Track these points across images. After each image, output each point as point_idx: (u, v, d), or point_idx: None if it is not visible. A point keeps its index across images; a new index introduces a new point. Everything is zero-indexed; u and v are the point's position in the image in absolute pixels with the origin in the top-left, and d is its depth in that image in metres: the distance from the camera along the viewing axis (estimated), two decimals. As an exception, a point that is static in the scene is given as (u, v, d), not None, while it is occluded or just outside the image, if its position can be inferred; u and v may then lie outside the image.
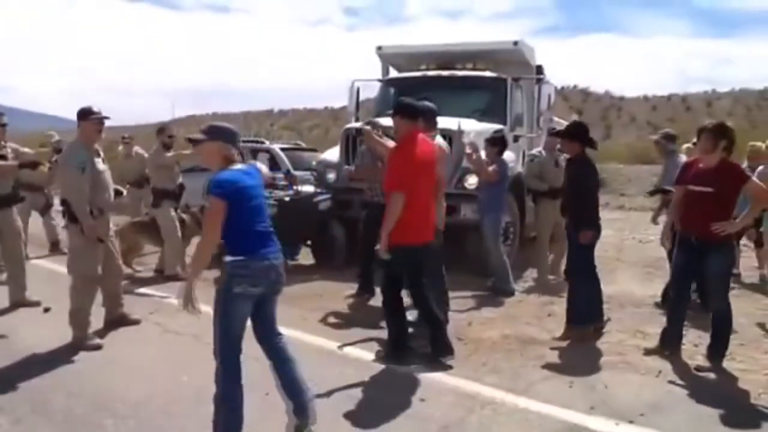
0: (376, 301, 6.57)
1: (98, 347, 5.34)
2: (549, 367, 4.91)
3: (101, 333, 5.68)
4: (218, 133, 3.53)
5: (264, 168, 3.98)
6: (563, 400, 4.26)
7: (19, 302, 6.43)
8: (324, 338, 5.63)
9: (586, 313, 5.56)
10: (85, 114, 5.39)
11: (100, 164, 5.47)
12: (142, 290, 7.32)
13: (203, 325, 5.86)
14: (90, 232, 5.28)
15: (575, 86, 38.58)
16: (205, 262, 3.45)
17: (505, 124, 8.65)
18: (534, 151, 8.35)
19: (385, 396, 4.38)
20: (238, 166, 3.51)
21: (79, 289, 5.43)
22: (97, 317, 5.68)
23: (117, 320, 5.87)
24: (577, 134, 5.61)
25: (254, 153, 12.06)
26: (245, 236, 3.43)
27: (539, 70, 9.65)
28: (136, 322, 5.93)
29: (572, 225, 5.62)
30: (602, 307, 5.77)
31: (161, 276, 7.88)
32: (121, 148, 11.01)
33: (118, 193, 5.90)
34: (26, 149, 6.96)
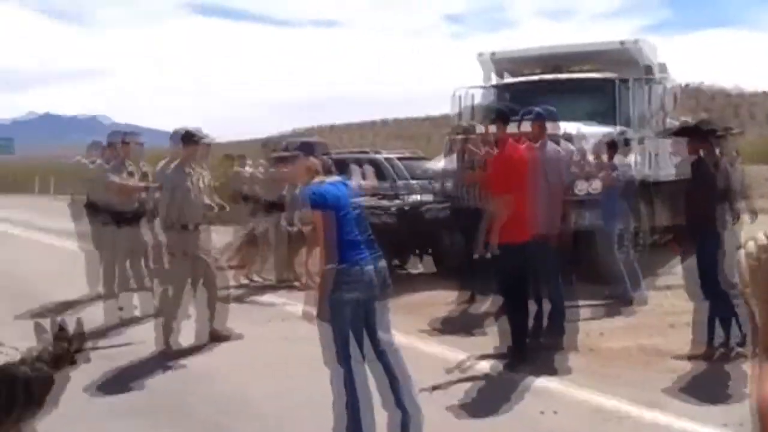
0: (489, 307, 6.53)
1: (171, 353, 5.56)
2: (679, 380, 4.69)
3: (206, 343, 5.88)
4: (309, 149, 3.78)
5: (365, 178, 4.12)
6: (696, 415, 4.05)
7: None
8: (442, 346, 5.64)
9: (722, 332, 5.15)
10: (185, 137, 5.79)
11: (192, 182, 5.77)
12: (262, 299, 7.61)
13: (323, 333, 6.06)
14: (172, 246, 5.61)
15: (701, 83, 36.22)
16: (322, 273, 3.59)
17: (615, 125, 8.37)
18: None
19: (514, 407, 4.30)
20: (325, 178, 3.68)
21: (167, 298, 5.78)
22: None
23: (214, 336, 5.95)
24: (704, 133, 5.29)
25: (359, 163, 12.27)
26: (340, 244, 3.54)
27: (662, 68, 9.27)
28: (228, 337, 5.98)
29: (694, 233, 5.23)
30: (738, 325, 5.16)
31: (277, 284, 8.12)
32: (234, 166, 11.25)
33: (214, 208, 6.14)
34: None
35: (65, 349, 3.34)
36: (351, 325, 3.63)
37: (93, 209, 7.32)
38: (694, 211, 5.17)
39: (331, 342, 3.62)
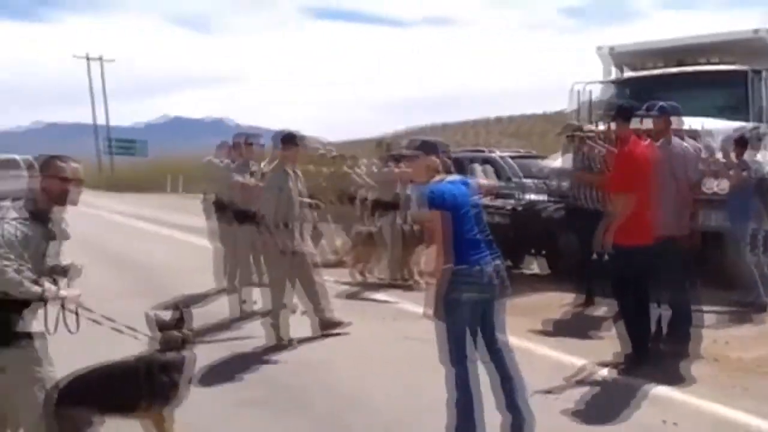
0: (606, 311, 6.34)
1: (284, 346, 5.79)
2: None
3: (316, 336, 6.10)
4: (430, 148, 3.81)
5: (483, 177, 4.15)
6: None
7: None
8: (557, 350, 5.54)
9: None
10: (286, 139, 6.06)
11: (291, 183, 6.02)
12: (376, 296, 7.72)
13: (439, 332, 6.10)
14: (276, 244, 5.84)
15: None
16: (439, 273, 3.58)
17: (747, 120, 7.86)
18: None
19: (632, 416, 4.14)
20: (444, 177, 3.71)
21: (272, 293, 6.06)
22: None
23: (323, 324, 6.19)
24: None
25: (474, 162, 12.21)
26: (456, 244, 3.54)
27: None
28: (335, 326, 6.19)
29: None
30: None
31: (393, 283, 8.23)
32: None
33: (315, 206, 6.47)
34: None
35: (185, 336, 3.64)
36: (468, 326, 3.65)
37: (220, 207, 7.77)
38: None
39: (445, 342, 3.65)
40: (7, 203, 3.40)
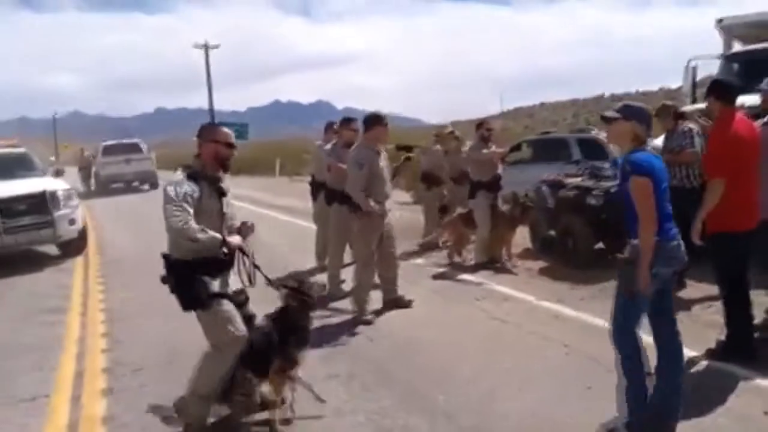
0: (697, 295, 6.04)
1: (369, 323, 6.00)
2: None
3: (378, 311, 6.29)
4: (632, 113, 3.55)
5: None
6: None
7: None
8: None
9: None
10: (373, 120, 6.20)
11: (381, 162, 6.19)
12: (468, 277, 7.69)
13: (527, 314, 6.04)
14: (369, 212, 5.99)
15: None
16: (650, 245, 3.39)
17: None
18: None
19: (733, 406, 3.94)
20: (647, 147, 3.55)
21: (359, 270, 6.23)
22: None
23: (392, 302, 6.44)
24: None
25: (580, 142, 11.88)
26: (659, 218, 3.42)
27: None
28: (407, 305, 6.42)
29: None
30: None
31: (486, 264, 8.14)
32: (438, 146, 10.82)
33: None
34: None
35: (309, 302, 4.10)
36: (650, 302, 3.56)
37: (317, 188, 7.98)
38: None
39: (620, 318, 3.57)
40: (179, 174, 3.82)
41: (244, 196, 20.96)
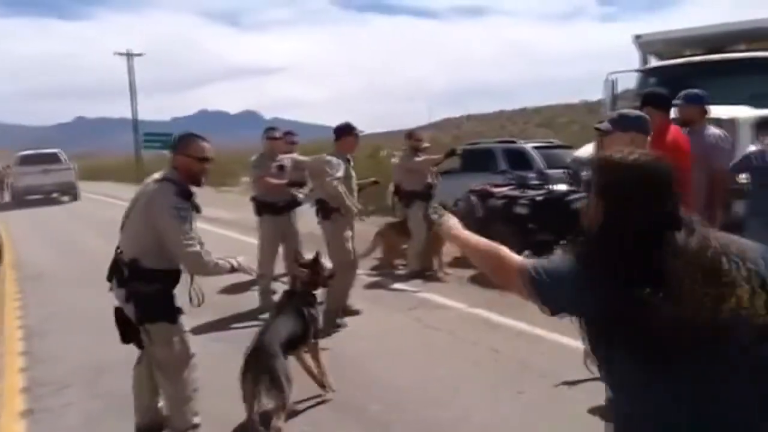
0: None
1: (340, 326, 6.07)
2: None
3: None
4: (630, 123, 3.35)
5: None
6: None
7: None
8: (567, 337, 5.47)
9: None
10: (344, 130, 6.33)
11: (350, 171, 6.33)
12: (401, 286, 7.75)
13: (459, 322, 6.12)
14: (349, 210, 6.14)
15: None
16: None
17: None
18: None
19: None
20: None
21: (339, 274, 6.05)
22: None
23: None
24: None
25: (506, 153, 12.17)
26: None
27: None
28: (356, 312, 6.46)
29: None
30: None
31: (419, 273, 8.20)
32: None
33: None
34: (304, 158, 7.50)
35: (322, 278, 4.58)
36: None
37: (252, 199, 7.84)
38: None
39: None
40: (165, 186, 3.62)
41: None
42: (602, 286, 1.58)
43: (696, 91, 5.59)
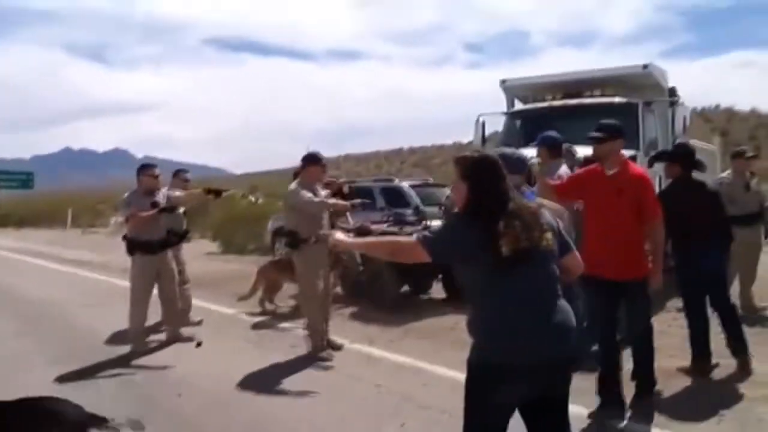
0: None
1: (326, 359, 6.03)
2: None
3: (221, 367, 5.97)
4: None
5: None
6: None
7: (174, 338, 6.91)
8: (454, 370, 5.60)
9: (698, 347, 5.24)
10: (310, 159, 6.37)
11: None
12: (286, 324, 7.69)
13: (342, 358, 6.13)
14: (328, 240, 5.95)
15: (717, 106, 36.24)
16: None
17: (638, 149, 8.34)
18: (723, 175, 7.83)
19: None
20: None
21: (306, 306, 6.27)
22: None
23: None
24: (677, 156, 5.47)
25: (384, 191, 12.45)
26: None
27: (672, 92, 9.25)
28: (340, 347, 6.43)
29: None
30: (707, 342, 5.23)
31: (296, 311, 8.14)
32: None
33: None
34: (177, 192, 7.23)
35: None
36: None
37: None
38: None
39: None
40: None
41: (27, 250, 19.05)
42: (475, 227, 2.53)
43: (550, 133, 5.99)
